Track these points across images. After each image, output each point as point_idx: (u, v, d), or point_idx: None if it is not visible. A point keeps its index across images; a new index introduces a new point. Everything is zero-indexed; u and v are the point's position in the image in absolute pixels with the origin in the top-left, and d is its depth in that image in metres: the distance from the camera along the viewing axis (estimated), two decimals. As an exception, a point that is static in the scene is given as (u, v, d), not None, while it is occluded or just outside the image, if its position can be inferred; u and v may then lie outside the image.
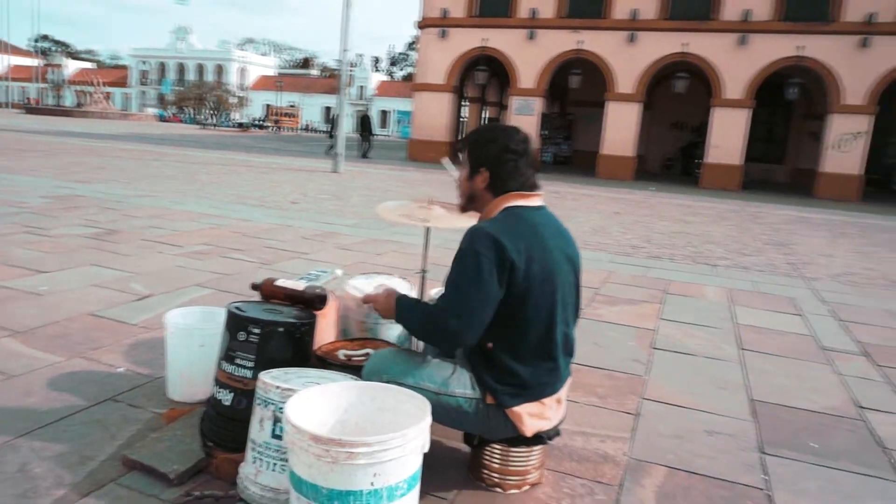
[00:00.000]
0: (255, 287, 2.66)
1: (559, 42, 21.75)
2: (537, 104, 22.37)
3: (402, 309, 2.07)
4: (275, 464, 1.94)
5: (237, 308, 2.33)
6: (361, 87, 70.18)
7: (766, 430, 2.93)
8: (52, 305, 3.79)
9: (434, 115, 23.36)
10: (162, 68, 74.33)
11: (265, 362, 2.22)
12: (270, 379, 2.00)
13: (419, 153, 23.31)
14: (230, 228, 6.74)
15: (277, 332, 2.23)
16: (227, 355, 2.26)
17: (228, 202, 8.73)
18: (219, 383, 2.29)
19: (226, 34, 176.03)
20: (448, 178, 16.34)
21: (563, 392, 2.19)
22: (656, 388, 3.32)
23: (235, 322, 2.25)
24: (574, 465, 2.47)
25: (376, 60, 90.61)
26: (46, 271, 4.52)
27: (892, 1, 18.75)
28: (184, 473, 2.11)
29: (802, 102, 23.72)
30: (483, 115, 32.02)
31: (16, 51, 77.43)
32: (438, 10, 22.95)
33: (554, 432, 2.23)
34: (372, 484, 1.60)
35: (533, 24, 21.92)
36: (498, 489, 2.24)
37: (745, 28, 19.94)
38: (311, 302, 2.51)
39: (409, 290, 2.96)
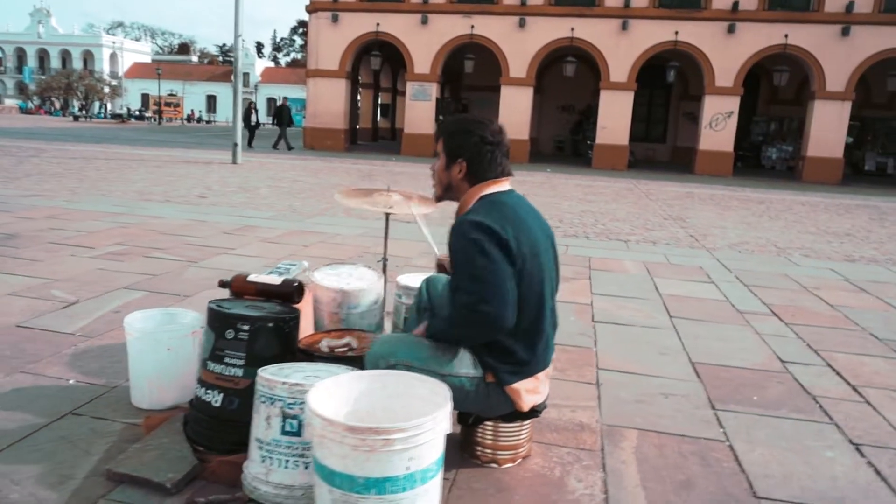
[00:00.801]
0: (223, 284, 2.57)
1: (452, 27, 21.93)
2: (433, 89, 22.48)
3: (434, 330, 2.12)
4: (287, 460, 1.91)
5: (219, 305, 2.25)
6: (246, 73, 67.49)
7: (711, 389, 3.19)
8: (-32, 319, 3.46)
9: (329, 101, 22.92)
10: (20, 55, 67.81)
11: (255, 359, 2.17)
12: (271, 375, 1.97)
13: (316, 141, 22.84)
14: (142, 227, 6.36)
15: (267, 327, 2.18)
16: (215, 355, 2.18)
17: (130, 199, 8.20)
18: (205, 384, 2.21)
19: (91, 17, 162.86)
20: (351, 166, 16.19)
21: (551, 366, 2.30)
22: (607, 359, 3.52)
23: (222, 320, 2.18)
24: (555, 435, 2.60)
25: (260, 46, 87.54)
26: (-53, 282, 4.11)
27: (753, -10, 20.38)
28: (180, 481, 2.03)
29: (680, 85, 25.33)
30: (377, 101, 31.81)
31: None
32: (329, -6, 22.48)
33: (543, 406, 2.33)
34: (407, 468, 1.63)
35: (425, 9, 21.95)
36: (493, 464, 2.32)
37: (626, 14, 20.97)
38: (289, 295, 2.46)
39: (376, 279, 2.95)
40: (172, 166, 13.52)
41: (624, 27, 20.98)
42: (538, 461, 2.38)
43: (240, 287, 2.53)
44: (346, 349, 2.47)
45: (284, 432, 1.91)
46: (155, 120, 47.91)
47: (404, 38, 22.27)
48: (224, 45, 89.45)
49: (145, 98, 61.70)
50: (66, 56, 66.70)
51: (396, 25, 22.20)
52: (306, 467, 1.91)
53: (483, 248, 1.97)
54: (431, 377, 1.93)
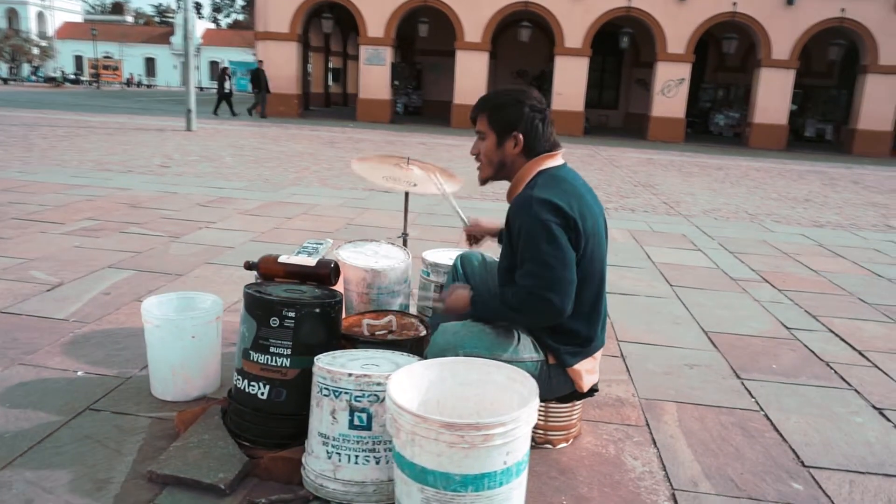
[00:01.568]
0: (249, 266, 2.40)
1: (407, -11, 21.36)
2: (387, 54, 21.96)
3: (481, 304, 2.05)
4: (356, 456, 1.80)
5: (258, 291, 2.09)
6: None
7: (731, 358, 3.21)
8: (-56, 306, 3.17)
9: (280, 66, 22.09)
10: (-68, 13, 62.94)
11: (301, 348, 2.03)
12: (331, 366, 1.84)
13: (269, 108, 22.06)
14: (110, 199, 5.99)
15: (314, 313, 2.04)
16: (258, 344, 2.03)
17: (88, 170, 7.72)
18: (248, 376, 2.06)
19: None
20: (310, 132, 15.71)
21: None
22: (624, 331, 3.50)
23: (265, 307, 2.02)
24: (598, 412, 2.56)
25: (198, 6, 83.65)
26: None
27: (707, -44, 20.49)
28: (233, 481, 1.89)
29: (632, 51, 25.47)
30: (328, 66, 30.92)
31: None
32: (277, -48, 21.51)
33: (596, 386, 2.28)
34: (504, 462, 1.55)
35: (378, -30, 21.28)
36: (548, 445, 2.26)
37: (582, -22, 20.83)
38: (326, 277, 2.31)
39: (404, 256, 2.83)
40: (124, 133, 12.83)
41: (579, -9, 20.84)
42: (590, 439, 2.34)
43: (268, 269, 2.36)
44: (385, 332, 2.35)
45: (353, 426, 1.79)
46: (92, 84, 45.41)
47: (357, 1, 21.59)
48: (160, 4, 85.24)
49: (79, 60, 58.40)
50: (-15, 15, 62.24)
51: (348, -14, 21.47)
52: (377, 462, 1.81)
53: (552, 232, 1.87)
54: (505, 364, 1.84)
